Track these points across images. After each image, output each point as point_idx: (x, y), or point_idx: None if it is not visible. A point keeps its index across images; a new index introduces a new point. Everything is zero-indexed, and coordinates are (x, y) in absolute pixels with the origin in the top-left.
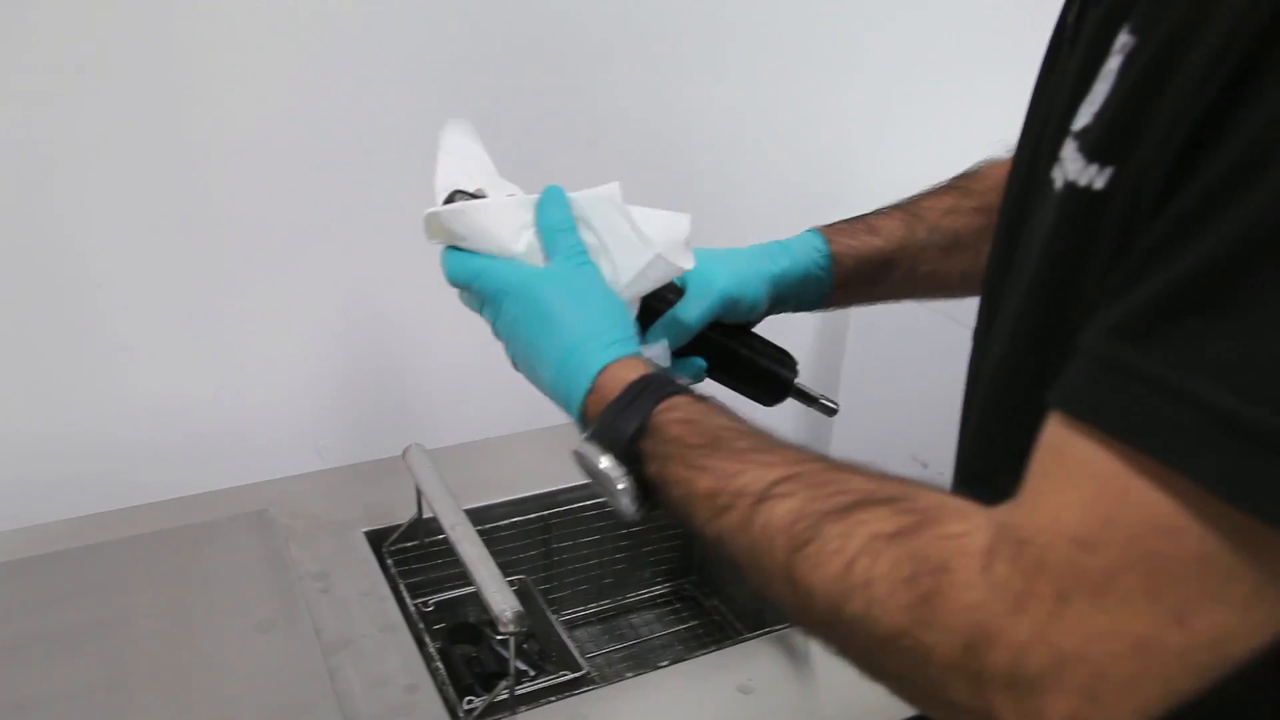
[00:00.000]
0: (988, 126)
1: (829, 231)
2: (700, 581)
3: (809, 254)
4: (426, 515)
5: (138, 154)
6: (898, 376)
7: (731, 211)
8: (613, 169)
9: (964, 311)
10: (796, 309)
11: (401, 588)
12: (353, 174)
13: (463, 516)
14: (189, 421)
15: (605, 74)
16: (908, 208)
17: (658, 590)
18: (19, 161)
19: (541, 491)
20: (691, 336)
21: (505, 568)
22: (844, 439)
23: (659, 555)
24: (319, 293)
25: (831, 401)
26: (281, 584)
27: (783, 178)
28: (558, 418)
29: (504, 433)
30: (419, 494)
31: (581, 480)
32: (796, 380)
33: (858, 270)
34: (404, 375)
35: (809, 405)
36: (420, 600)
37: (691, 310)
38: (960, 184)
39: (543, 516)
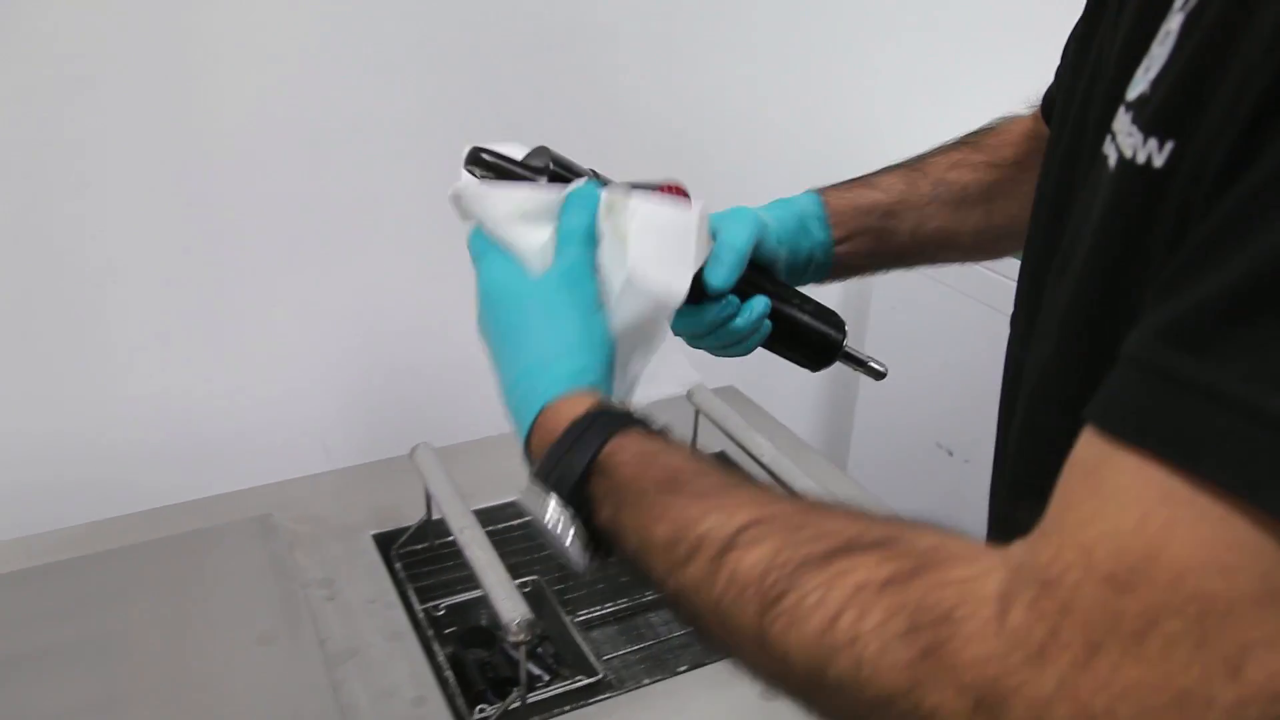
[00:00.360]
0: (1019, 100)
1: (823, 190)
2: None
3: (804, 205)
4: (436, 516)
5: (142, 152)
6: (921, 361)
7: (751, 195)
8: (626, 151)
9: (991, 292)
10: (805, 274)
11: (410, 593)
12: (359, 171)
13: (472, 519)
14: (192, 423)
15: (615, 56)
16: (909, 165)
17: None
18: (21, 160)
19: None
20: (739, 272)
21: (518, 568)
22: (866, 427)
23: None
24: (324, 289)
25: (880, 364)
26: (285, 592)
27: (803, 159)
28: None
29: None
30: (427, 495)
31: None
32: (845, 342)
33: (858, 222)
34: (412, 371)
35: (856, 369)
36: (431, 604)
37: (735, 243)
38: (970, 139)
39: None
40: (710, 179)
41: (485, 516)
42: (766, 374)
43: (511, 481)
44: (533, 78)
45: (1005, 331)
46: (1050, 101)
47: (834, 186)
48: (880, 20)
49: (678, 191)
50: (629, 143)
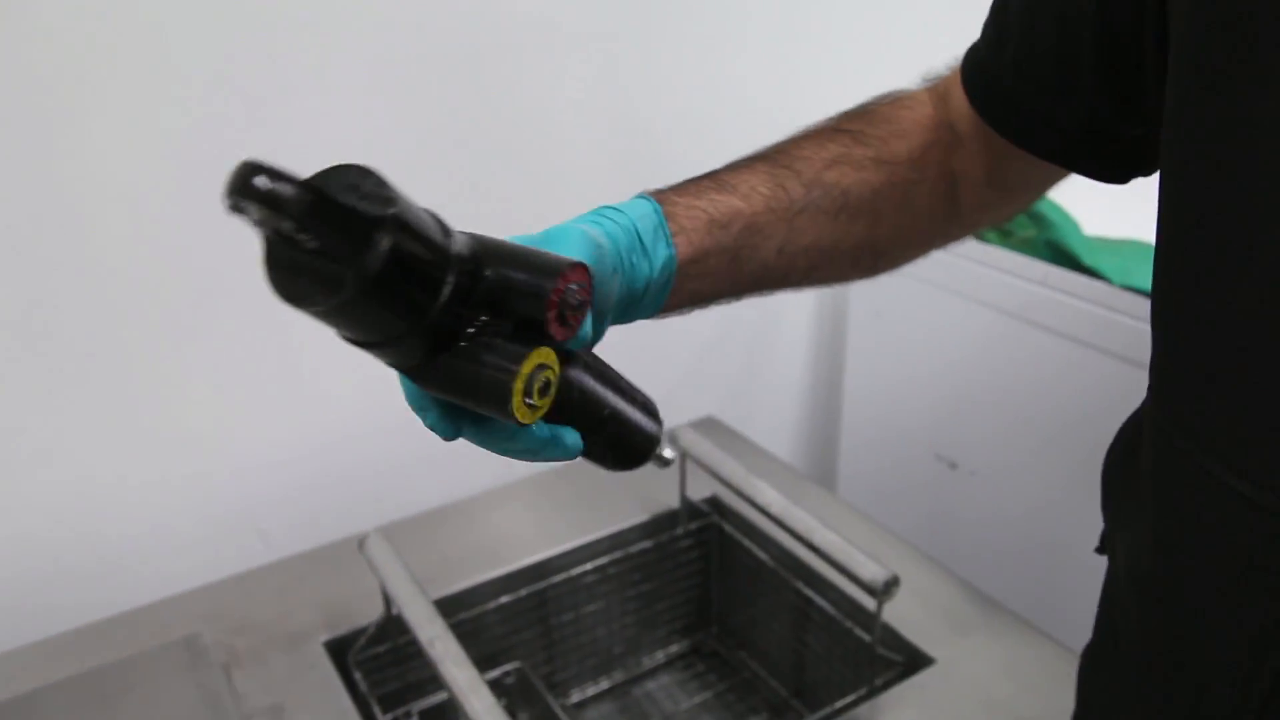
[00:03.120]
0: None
1: (663, 195)
2: (722, 632)
3: (639, 215)
4: (397, 612)
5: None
6: (911, 367)
7: None
8: (590, 161)
9: (989, 290)
10: (637, 309)
11: (374, 707)
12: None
13: (439, 622)
14: (98, 520)
15: (567, 61)
16: (772, 157)
17: (675, 649)
18: None
19: (533, 561)
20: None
21: (498, 656)
22: (855, 441)
23: (674, 610)
24: (241, 354)
25: (670, 453)
26: None
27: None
28: (535, 469)
29: (477, 490)
30: (384, 593)
31: (578, 541)
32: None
33: (711, 239)
34: (353, 437)
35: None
36: (401, 712)
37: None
38: (851, 126)
39: (537, 591)
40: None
41: (456, 603)
42: (743, 394)
43: (483, 558)
44: (481, 89)
45: (1002, 329)
46: (980, 64)
47: (675, 188)
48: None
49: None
50: (593, 149)
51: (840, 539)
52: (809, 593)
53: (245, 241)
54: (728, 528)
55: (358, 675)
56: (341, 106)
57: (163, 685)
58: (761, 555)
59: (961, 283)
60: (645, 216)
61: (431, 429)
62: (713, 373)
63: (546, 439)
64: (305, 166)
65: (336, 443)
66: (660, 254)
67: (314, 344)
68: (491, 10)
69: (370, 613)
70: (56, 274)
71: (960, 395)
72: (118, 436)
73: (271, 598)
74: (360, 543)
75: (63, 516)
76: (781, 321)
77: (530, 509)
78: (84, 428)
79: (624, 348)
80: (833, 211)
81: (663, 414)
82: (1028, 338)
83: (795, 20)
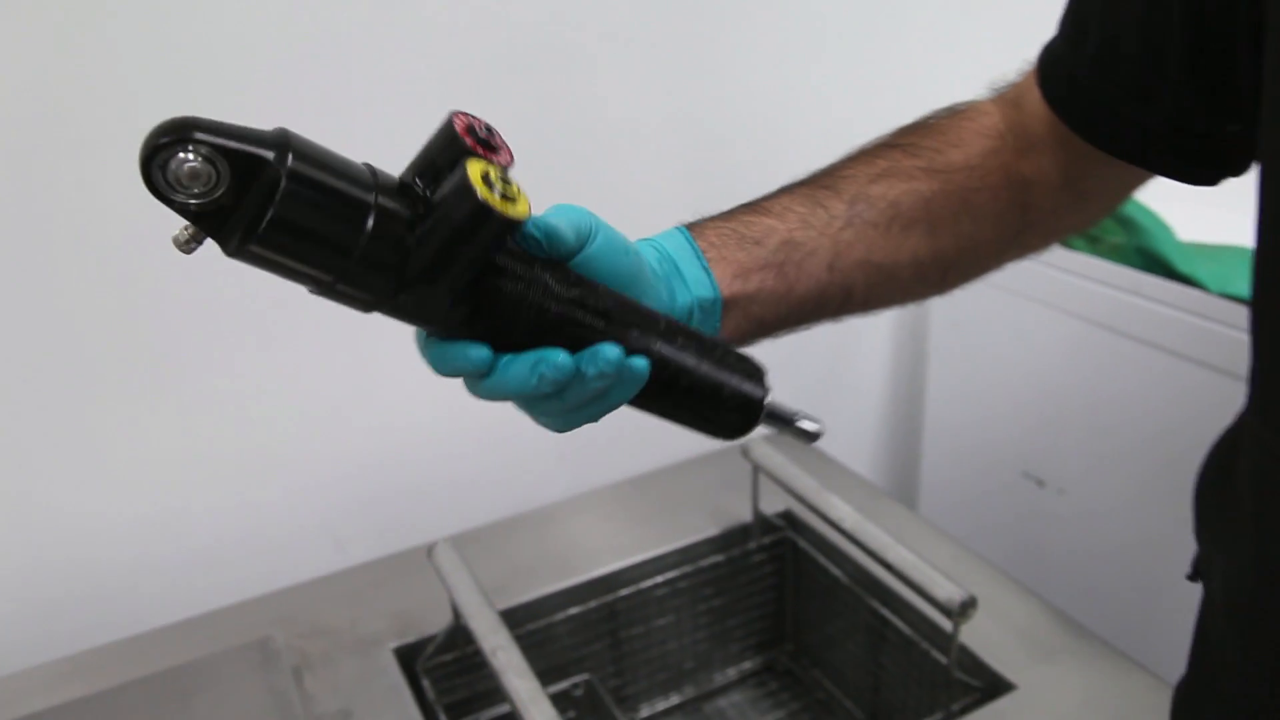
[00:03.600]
0: None
1: (690, 224)
2: (797, 650)
3: (668, 242)
4: (465, 621)
5: (50, 234)
6: (995, 379)
7: None
8: (656, 174)
9: (1076, 299)
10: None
11: (440, 716)
12: None
13: (504, 633)
14: (183, 528)
15: (616, 67)
16: (814, 180)
17: (748, 666)
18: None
19: (603, 573)
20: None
21: (566, 667)
22: (938, 456)
23: (747, 626)
24: (321, 364)
25: (813, 421)
26: None
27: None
28: (610, 475)
29: (550, 500)
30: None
31: (649, 554)
32: (767, 398)
33: (747, 255)
34: (428, 448)
35: (783, 430)
36: None
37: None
38: (902, 141)
39: (607, 603)
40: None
41: (524, 614)
42: (820, 407)
43: (553, 569)
44: (527, 94)
45: (1091, 340)
46: (1056, 62)
47: (704, 219)
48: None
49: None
50: (645, 155)
51: (915, 556)
52: (885, 612)
53: None
54: (802, 543)
55: (425, 683)
56: (402, 118)
57: (235, 686)
58: (836, 572)
59: (1047, 291)
60: (671, 238)
61: (469, 367)
62: (789, 384)
63: (614, 360)
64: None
65: (411, 454)
66: (693, 271)
67: (387, 357)
68: (553, 20)
69: (440, 621)
70: (140, 288)
71: (1047, 409)
72: (207, 448)
73: (344, 604)
74: (429, 551)
75: (158, 518)
76: (860, 331)
77: (602, 520)
78: (177, 440)
79: None
80: (882, 224)
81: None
82: (1118, 348)
83: (872, 24)
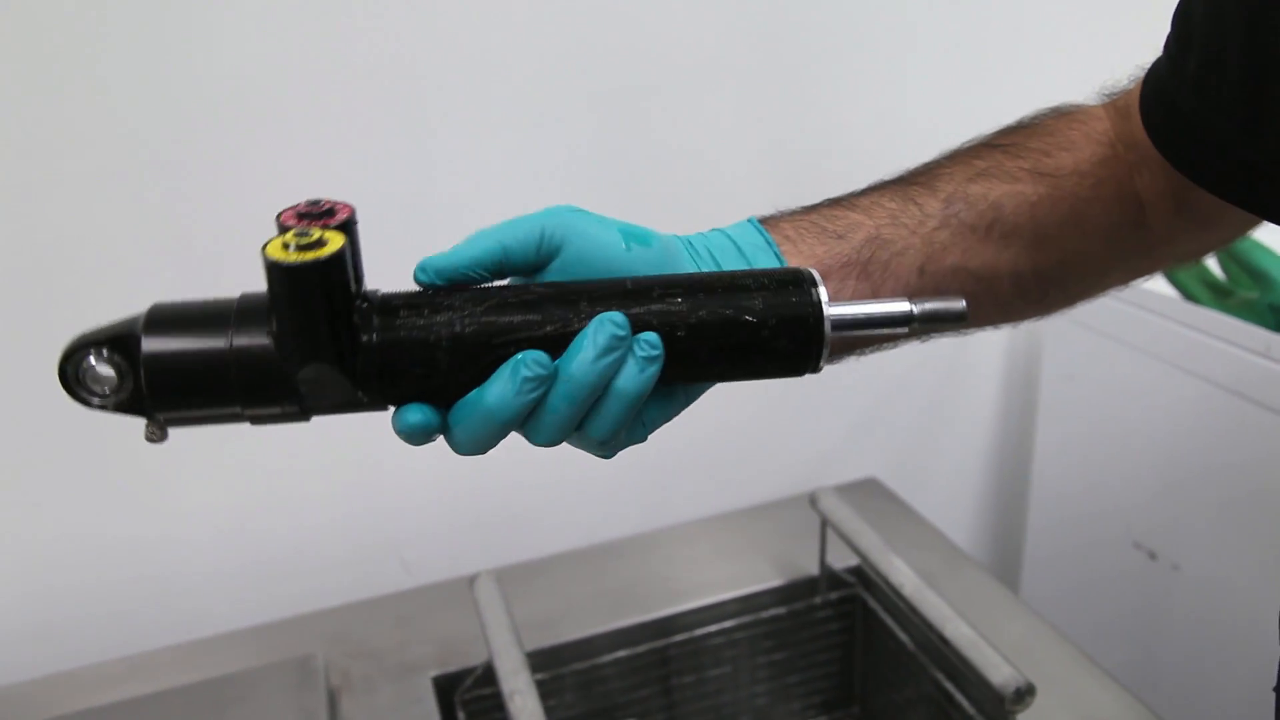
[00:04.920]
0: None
1: (769, 220)
2: (864, 714)
3: (738, 234)
4: None
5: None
6: (1110, 440)
7: None
8: (744, 200)
9: (1201, 358)
10: None
11: None
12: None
13: (525, 680)
14: (252, 542)
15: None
16: (908, 178)
17: None
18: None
19: (657, 617)
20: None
21: (612, 711)
22: (1042, 518)
23: (810, 684)
24: None
25: (955, 298)
26: None
27: None
28: (680, 513)
29: (616, 536)
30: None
31: (706, 600)
32: (818, 293)
33: (828, 250)
34: (500, 473)
35: (932, 328)
36: None
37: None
38: (1004, 141)
39: (659, 649)
40: None
41: (571, 652)
42: (914, 458)
43: (606, 608)
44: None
45: (1216, 403)
46: (1157, 85)
47: (781, 213)
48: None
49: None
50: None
51: (974, 633)
52: (949, 686)
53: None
54: (871, 601)
55: (461, 716)
56: (489, 145)
57: (268, 703)
58: (903, 637)
59: (1170, 348)
60: (741, 230)
61: (410, 430)
62: (882, 431)
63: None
64: (449, 203)
65: (481, 481)
66: (766, 264)
67: None
68: (642, 48)
69: (483, 652)
70: None
71: (1165, 476)
72: (285, 467)
73: (395, 626)
74: (471, 582)
75: (226, 527)
76: (964, 379)
77: (663, 562)
78: (258, 459)
79: (780, 397)
80: (981, 228)
81: (817, 471)
82: (1246, 415)
83: (969, 52)
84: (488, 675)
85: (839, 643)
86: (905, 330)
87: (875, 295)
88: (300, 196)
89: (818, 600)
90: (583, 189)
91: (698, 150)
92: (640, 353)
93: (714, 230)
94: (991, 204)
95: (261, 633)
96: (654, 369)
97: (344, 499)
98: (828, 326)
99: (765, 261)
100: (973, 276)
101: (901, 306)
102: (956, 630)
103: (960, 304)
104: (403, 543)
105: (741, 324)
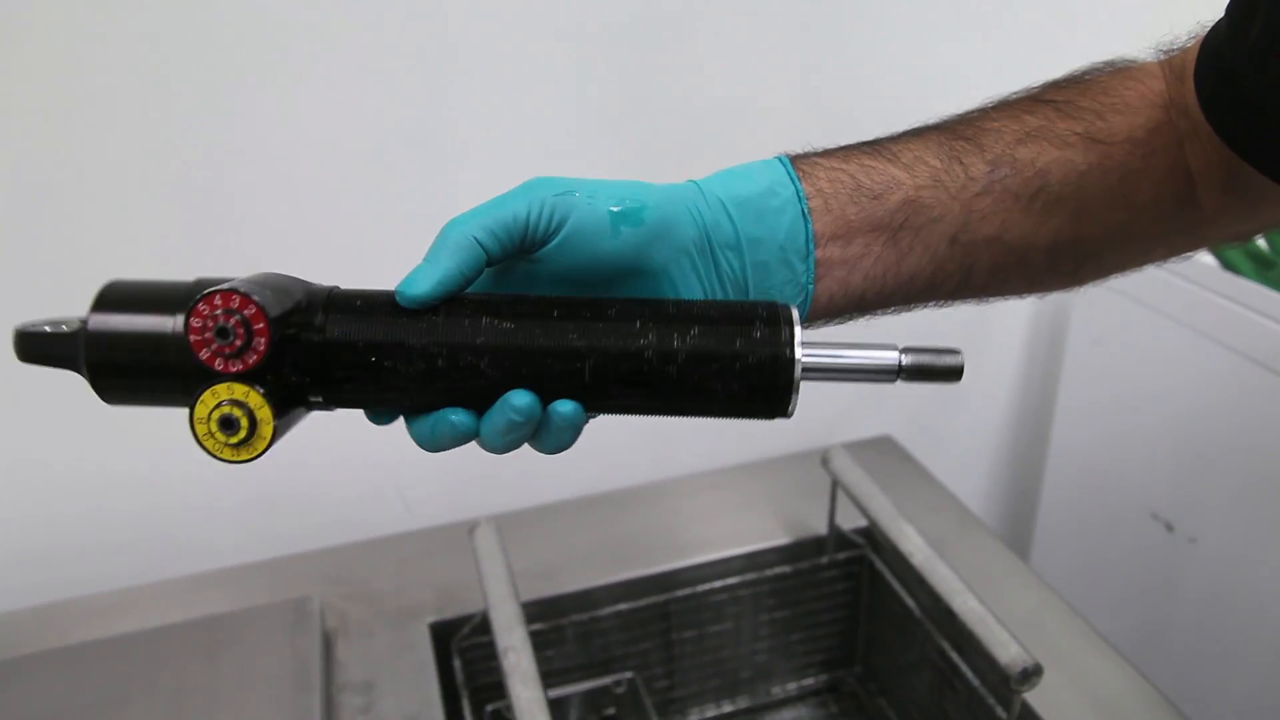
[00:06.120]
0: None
1: (802, 156)
2: (866, 674)
3: (762, 179)
4: None
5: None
6: (1134, 410)
7: None
8: (759, 150)
9: (1238, 330)
10: (753, 287)
11: (464, 699)
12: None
13: (521, 636)
14: (254, 476)
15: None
16: (953, 128)
17: (810, 683)
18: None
19: (659, 571)
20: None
21: (610, 663)
22: (1058, 484)
23: (813, 642)
24: None
25: (952, 351)
26: (303, 708)
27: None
28: (694, 464)
29: (627, 484)
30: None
31: (710, 556)
32: (794, 350)
33: (859, 211)
34: None
35: (924, 377)
36: (495, 708)
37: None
38: (1057, 97)
39: (660, 603)
40: None
41: (572, 602)
42: (931, 417)
43: (608, 559)
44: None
45: (1250, 378)
46: (1214, 51)
47: (820, 151)
48: None
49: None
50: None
51: (983, 609)
52: (954, 656)
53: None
54: (879, 564)
55: (457, 663)
56: (506, 84)
57: (262, 645)
58: (910, 603)
59: (1204, 318)
60: (771, 176)
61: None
62: (899, 388)
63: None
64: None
65: None
66: (784, 216)
67: None
68: None
69: (481, 599)
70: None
71: (1189, 447)
72: None
73: (394, 569)
74: (470, 530)
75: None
76: (988, 338)
77: (668, 514)
78: None
79: None
80: (1026, 196)
81: (832, 427)
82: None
83: None
84: (486, 624)
85: (843, 604)
86: (887, 379)
87: (899, 262)
88: (313, 122)
89: (824, 560)
90: (599, 126)
91: (724, 86)
92: (555, 423)
93: (737, 171)
94: (1039, 171)
95: (259, 570)
96: (569, 435)
97: (348, 436)
98: (798, 375)
99: (788, 222)
100: (1006, 248)
101: (888, 358)
102: (965, 604)
103: (958, 359)
104: (406, 483)
105: (700, 385)
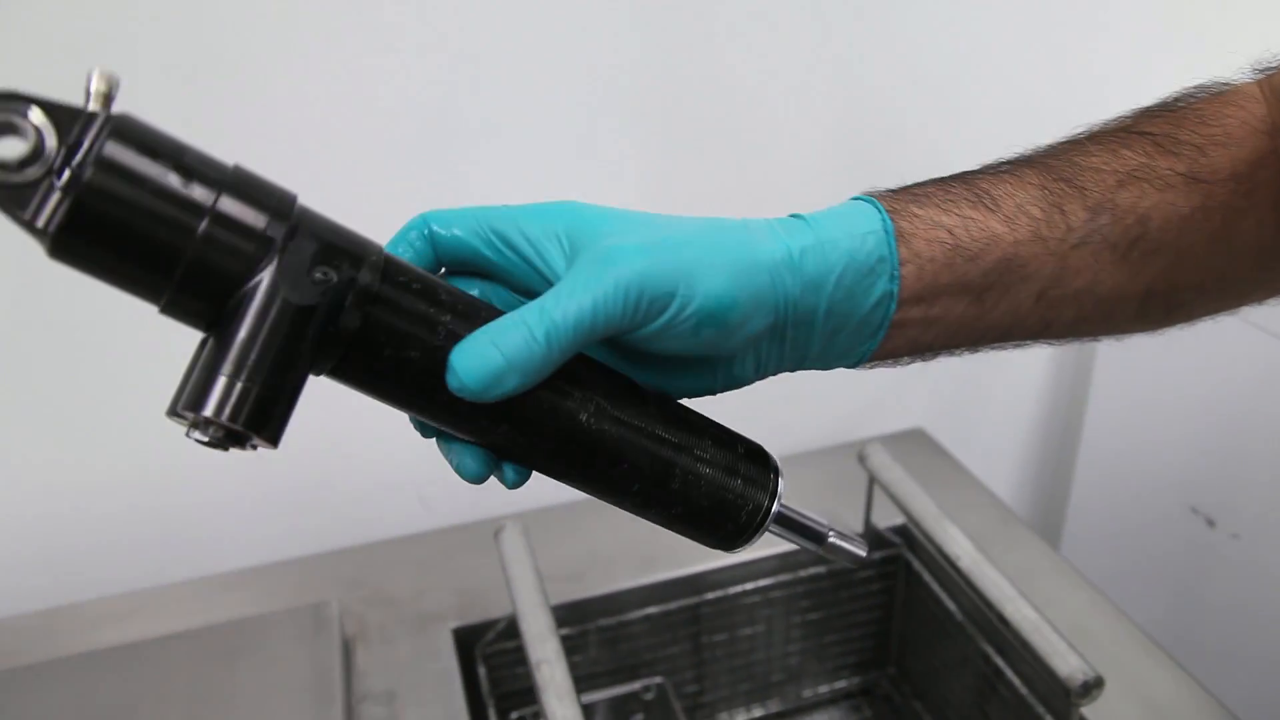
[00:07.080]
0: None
1: (896, 200)
2: (900, 676)
3: (853, 232)
4: None
5: None
6: (1173, 399)
7: None
8: (811, 158)
9: (1272, 313)
10: (813, 356)
11: (490, 709)
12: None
13: (554, 648)
14: (270, 469)
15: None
16: (1051, 165)
17: (842, 685)
18: None
19: (689, 573)
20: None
21: (639, 668)
22: (1092, 477)
23: (846, 644)
24: None
25: (859, 544)
26: (325, 718)
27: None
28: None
29: None
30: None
31: (741, 557)
32: (777, 504)
33: (951, 273)
34: None
35: (830, 559)
36: (521, 715)
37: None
38: (1153, 129)
39: (690, 606)
40: (896, 161)
41: (600, 606)
42: (961, 407)
43: (637, 562)
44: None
45: None
46: None
47: (914, 191)
48: None
49: None
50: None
51: (1038, 616)
52: (999, 661)
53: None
54: (916, 564)
55: (481, 671)
56: (532, 91)
57: (281, 652)
58: (950, 605)
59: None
60: (865, 226)
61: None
62: (928, 377)
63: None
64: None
65: None
66: (874, 293)
67: None
68: None
69: (506, 604)
70: None
71: (1230, 439)
72: (308, 394)
73: (413, 571)
74: (495, 533)
75: (243, 455)
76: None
77: None
78: None
79: None
80: (1123, 247)
81: (862, 419)
82: None
83: None
84: (511, 629)
85: (879, 604)
86: (812, 546)
87: (978, 319)
88: (322, 110)
89: None
90: (622, 120)
91: (758, 82)
92: (510, 476)
93: (829, 237)
94: (1139, 218)
95: (273, 571)
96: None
97: (363, 432)
98: (767, 525)
99: (874, 300)
100: (1095, 300)
101: (821, 530)
102: (1018, 612)
103: (862, 553)
104: (423, 479)
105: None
